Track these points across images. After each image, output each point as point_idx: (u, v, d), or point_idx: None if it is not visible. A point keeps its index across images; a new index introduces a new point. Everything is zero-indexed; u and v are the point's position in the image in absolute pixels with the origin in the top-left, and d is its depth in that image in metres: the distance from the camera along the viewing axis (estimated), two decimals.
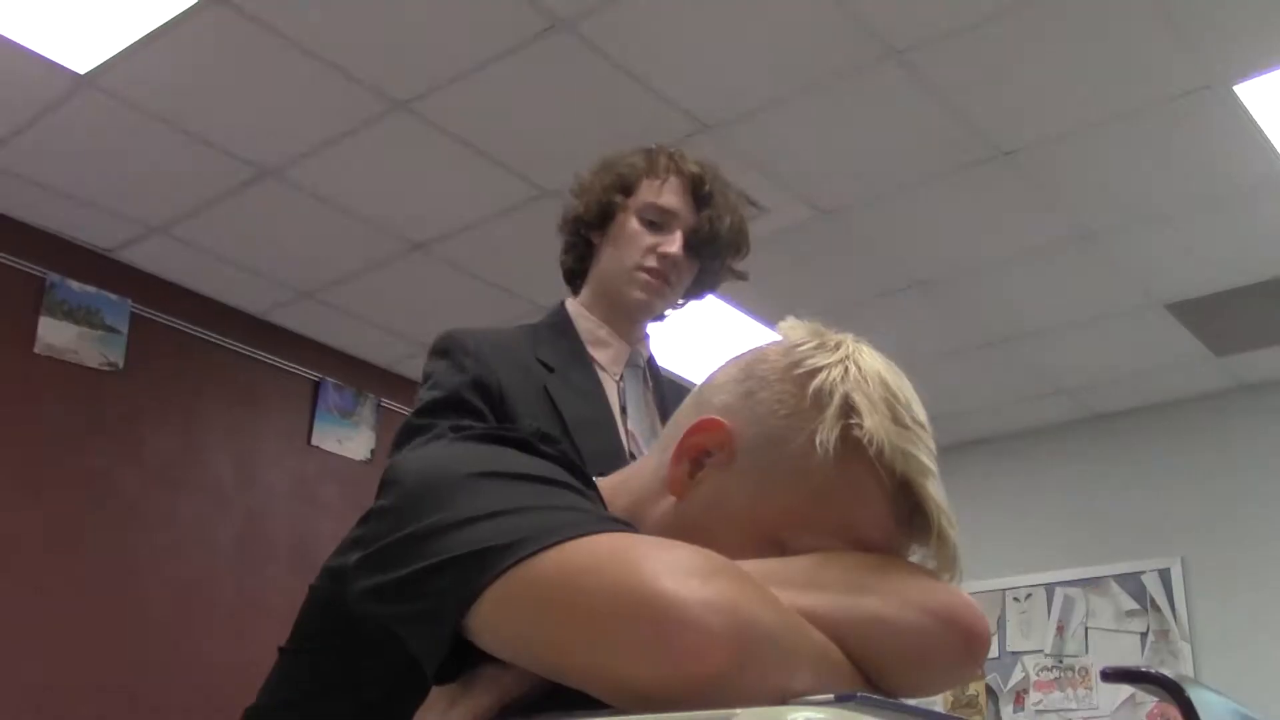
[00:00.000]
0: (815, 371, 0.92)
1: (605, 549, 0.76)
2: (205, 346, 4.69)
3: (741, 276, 2.13)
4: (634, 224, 1.98)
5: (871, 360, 0.95)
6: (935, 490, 0.92)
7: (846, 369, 0.92)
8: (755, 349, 0.99)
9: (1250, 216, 3.99)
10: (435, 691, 0.85)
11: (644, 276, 1.95)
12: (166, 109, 3.59)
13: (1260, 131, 3.55)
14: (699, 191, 1.99)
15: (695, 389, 1.02)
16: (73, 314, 4.28)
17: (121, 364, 4.38)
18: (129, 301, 4.44)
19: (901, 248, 4.26)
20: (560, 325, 2.02)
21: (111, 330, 4.38)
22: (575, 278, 2.10)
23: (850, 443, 0.89)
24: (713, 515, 0.92)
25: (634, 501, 0.98)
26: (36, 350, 4.16)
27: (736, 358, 1.00)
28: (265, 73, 3.42)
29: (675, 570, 0.72)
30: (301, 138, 3.72)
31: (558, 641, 0.75)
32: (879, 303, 4.55)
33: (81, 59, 3.38)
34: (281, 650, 1.03)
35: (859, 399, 0.90)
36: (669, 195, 1.98)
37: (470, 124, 3.65)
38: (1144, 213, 4.00)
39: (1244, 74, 3.34)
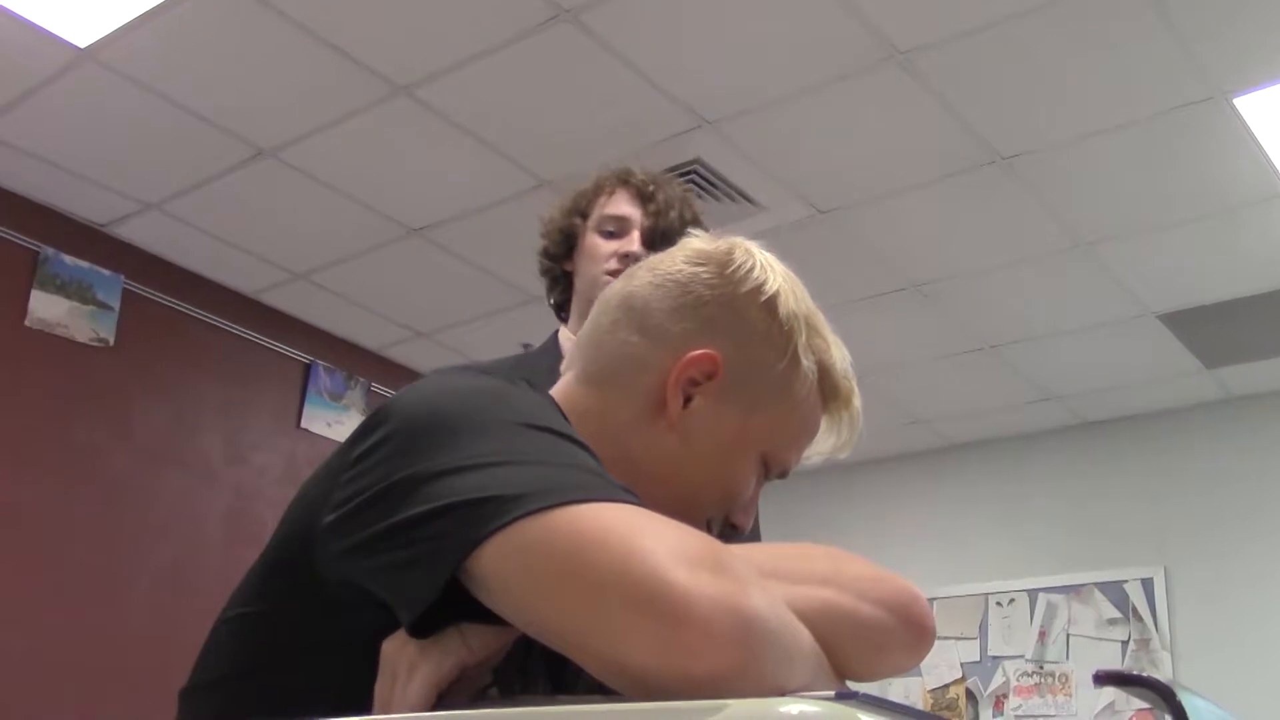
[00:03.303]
0: (775, 298, 1.07)
1: (618, 521, 0.75)
2: (197, 325, 4.68)
3: None
4: (594, 239, 2.09)
5: (786, 269, 1.11)
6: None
7: (793, 291, 1.08)
8: (666, 261, 1.10)
9: (1246, 229, 4.00)
10: (393, 658, 0.83)
11: (608, 280, 2.00)
12: (166, 85, 3.58)
13: (1259, 145, 3.56)
14: (645, 193, 2.10)
15: (613, 306, 1.10)
16: (65, 288, 4.26)
17: (112, 340, 4.37)
18: (121, 277, 4.43)
19: (898, 250, 4.27)
20: (549, 351, 2.12)
21: (103, 306, 4.36)
22: (564, 310, 2.21)
23: (821, 364, 1.08)
24: (710, 439, 1.05)
25: (613, 434, 1.01)
26: (28, 323, 4.15)
27: (651, 272, 1.10)
28: (266, 52, 3.41)
29: (687, 560, 0.71)
30: (301, 119, 3.71)
31: (556, 608, 0.74)
32: (874, 303, 4.55)
33: (82, 32, 3.36)
34: (226, 620, 0.97)
35: (816, 321, 1.09)
36: (619, 204, 2.10)
37: (471, 112, 3.64)
38: (1140, 223, 4.01)
39: (1244, 88, 3.35)
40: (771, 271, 1.08)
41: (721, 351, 1.04)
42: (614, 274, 2.01)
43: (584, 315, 2.05)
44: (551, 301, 2.24)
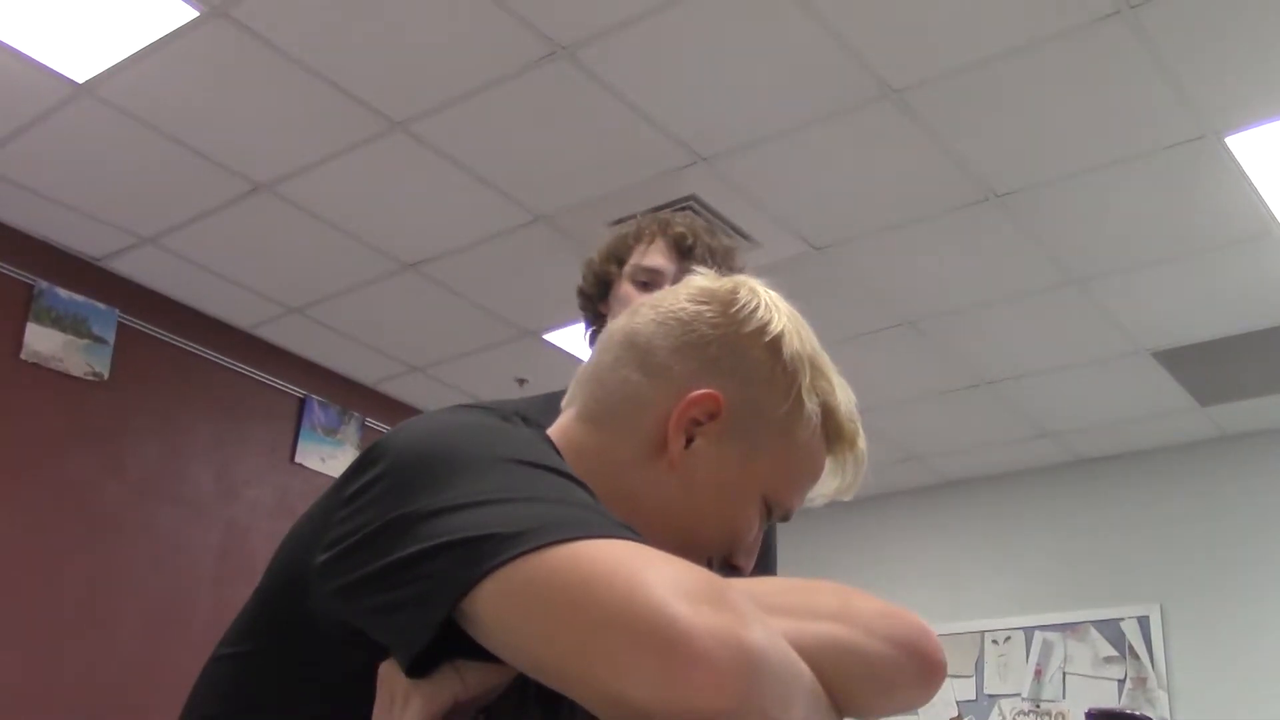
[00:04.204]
0: (779, 338, 1.05)
1: (618, 557, 0.74)
2: (192, 359, 4.67)
3: None
4: (627, 288, 2.09)
5: (792, 309, 1.09)
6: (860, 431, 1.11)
7: (798, 332, 1.07)
8: (669, 299, 1.09)
9: (1239, 267, 4.01)
10: (389, 680, 0.82)
11: None
12: (163, 120, 3.59)
13: (1250, 183, 3.58)
14: (682, 247, 2.09)
15: (616, 343, 1.08)
16: (60, 322, 4.26)
17: (107, 374, 4.37)
18: (117, 311, 4.43)
19: (892, 286, 4.28)
20: None
21: (98, 340, 4.36)
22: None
23: (825, 407, 1.06)
24: (711, 480, 1.03)
25: (612, 473, 1.00)
26: (23, 357, 4.15)
27: (654, 309, 1.08)
28: (263, 88, 3.43)
29: (688, 595, 0.71)
30: (297, 154, 3.72)
31: (556, 645, 0.73)
32: (867, 340, 4.55)
33: (80, 68, 3.38)
34: (220, 658, 0.96)
35: (820, 363, 1.07)
36: (654, 256, 2.09)
37: (467, 147, 3.65)
38: (1133, 260, 4.02)
39: (1236, 126, 3.37)
40: (776, 311, 1.07)
41: (724, 392, 1.03)
42: None
43: None
44: (587, 337, 2.26)
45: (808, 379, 1.05)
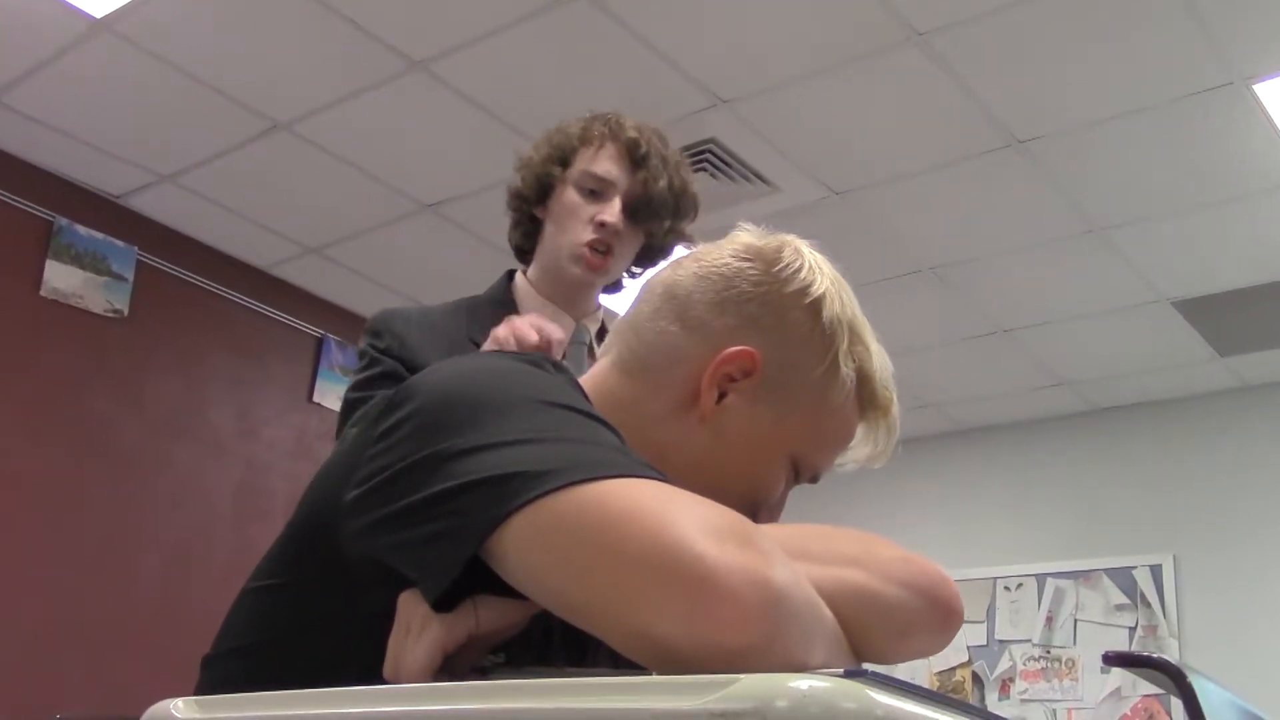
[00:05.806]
0: (819, 300, 1.05)
1: (645, 496, 0.75)
2: (210, 298, 4.69)
3: (689, 240, 2.04)
4: (572, 195, 1.95)
5: (836, 272, 1.10)
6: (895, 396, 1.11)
7: (839, 296, 1.07)
8: (713, 253, 1.09)
9: (1263, 217, 3.98)
10: (407, 611, 0.83)
11: (585, 252, 1.92)
12: (182, 57, 3.57)
13: (1277, 132, 3.54)
14: (635, 155, 1.94)
15: (656, 294, 1.09)
16: (79, 259, 4.27)
17: (126, 311, 4.38)
18: (136, 249, 4.44)
19: (912, 232, 4.25)
20: (503, 301, 2.02)
21: (117, 277, 4.37)
22: (524, 254, 2.09)
23: (861, 372, 1.07)
24: (741, 437, 1.04)
25: (643, 424, 1.01)
26: (42, 294, 4.16)
27: (697, 262, 1.09)
28: (282, 26, 3.41)
29: (715, 533, 0.71)
30: (317, 92, 3.71)
31: (582, 582, 0.74)
32: (886, 286, 4.54)
33: (98, 3, 3.36)
34: (249, 591, 0.98)
35: (859, 328, 1.08)
36: (604, 162, 1.94)
37: (487, 87, 3.64)
38: (1156, 208, 3.99)
39: (1264, 74, 3.32)
40: (819, 274, 1.07)
41: (761, 350, 1.04)
42: (590, 245, 1.91)
43: (548, 273, 1.99)
44: (513, 243, 2.12)
45: (845, 343, 1.06)
